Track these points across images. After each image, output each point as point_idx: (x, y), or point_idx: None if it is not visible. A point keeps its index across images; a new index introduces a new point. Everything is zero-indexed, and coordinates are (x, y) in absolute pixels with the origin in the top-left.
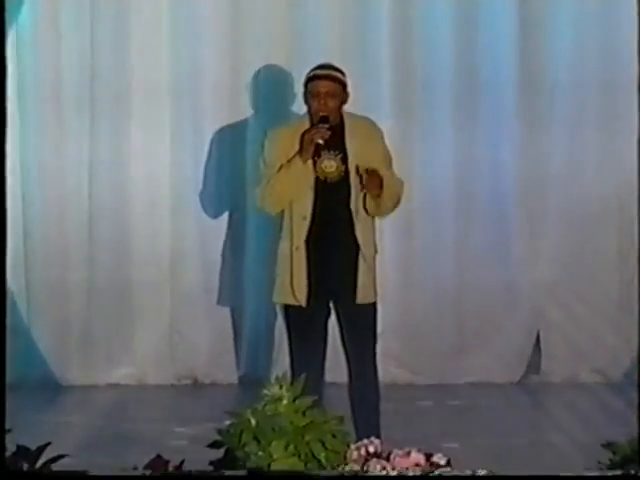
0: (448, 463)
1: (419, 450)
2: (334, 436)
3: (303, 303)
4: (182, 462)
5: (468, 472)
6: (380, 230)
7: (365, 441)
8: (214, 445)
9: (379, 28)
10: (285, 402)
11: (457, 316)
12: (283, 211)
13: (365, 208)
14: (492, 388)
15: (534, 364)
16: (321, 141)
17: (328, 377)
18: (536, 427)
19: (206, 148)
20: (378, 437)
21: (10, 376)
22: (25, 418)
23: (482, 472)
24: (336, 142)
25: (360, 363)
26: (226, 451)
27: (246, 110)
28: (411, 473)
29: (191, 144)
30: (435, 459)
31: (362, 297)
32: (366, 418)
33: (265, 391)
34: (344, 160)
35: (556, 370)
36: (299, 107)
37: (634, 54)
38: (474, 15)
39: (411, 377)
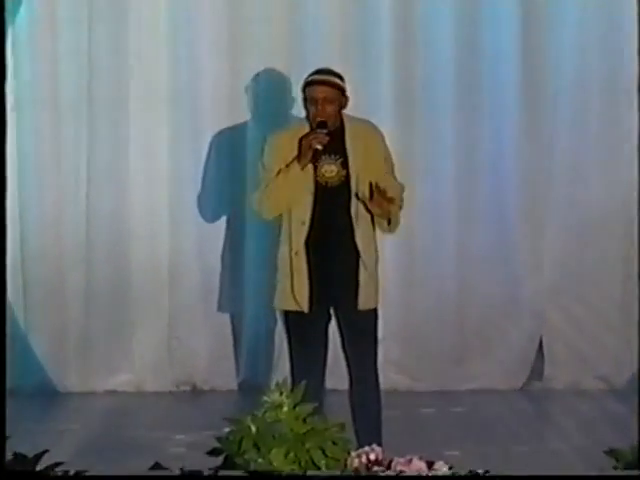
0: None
1: (420, 458)
2: (335, 443)
3: (305, 309)
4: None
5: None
6: (380, 234)
7: (366, 448)
8: (213, 452)
9: (379, 30)
10: (285, 409)
11: (459, 322)
12: (282, 216)
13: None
14: (494, 395)
15: (537, 370)
16: (319, 147)
17: (329, 383)
18: (539, 434)
19: (205, 152)
20: (379, 444)
21: (7, 382)
22: (22, 425)
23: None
24: (336, 146)
25: (361, 369)
26: (225, 458)
27: (245, 113)
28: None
29: (190, 148)
30: (437, 467)
31: (363, 303)
32: (367, 425)
33: (265, 398)
34: (344, 164)
35: (559, 377)
36: (299, 110)
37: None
38: (476, 16)
39: (412, 384)
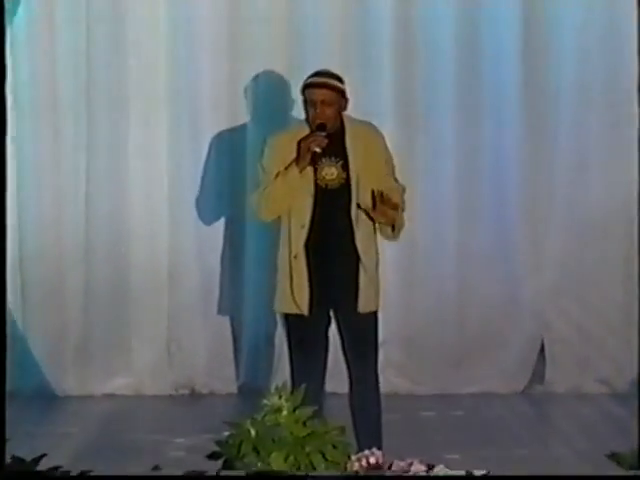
0: None
1: (421, 461)
2: (335, 447)
3: (305, 312)
4: None
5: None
6: (380, 237)
7: (366, 452)
8: (213, 456)
9: (380, 30)
10: (285, 412)
11: (459, 325)
12: (281, 218)
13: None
14: (495, 398)
15: (538, 374)
16: (318, 149)
17: (329, 387)
18: (540, 438)
19: (204, 153)
20: (379, 448)
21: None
22: (21, 429)
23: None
24: (337, 148)
25: (361, 373)
26: (225, 462)
27: (245, 115)
28: None
29: (189, 149)
30: (437, 470)
31: (363, 306)
32: (367, 429)
33: (265, 401)
34: (345, 167)
35: (560, 380)
36: (299, 112)
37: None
38: (476, 16)
39: (413, 387)
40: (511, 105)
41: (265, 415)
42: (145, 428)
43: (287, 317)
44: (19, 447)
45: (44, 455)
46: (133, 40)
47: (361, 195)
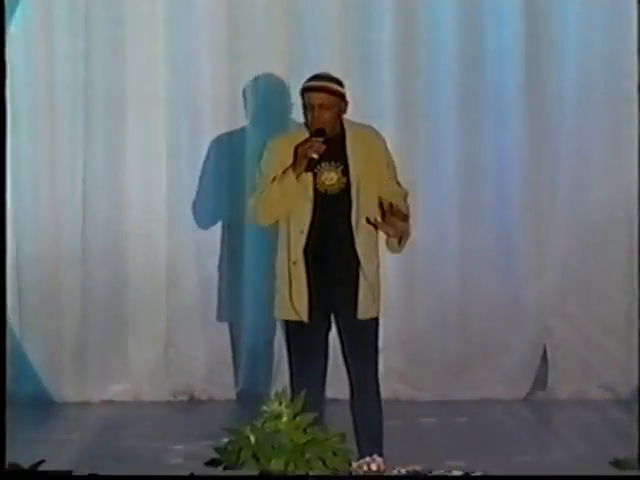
0: None
1: (423, 469)
2: (335, 454)
3: (304, 318)
4: None
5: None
6: (381, 243)
7: (367, 459)
8: (212, 463)
9: (381, 33)
10: (285, 419)
11: (461, 331)
12: (280, 223)
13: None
14: (497, 405)
15: (540, 380)
16: (315, 156)
17: (329, 393)
18: (543, 445)
19: (203, 156)
20: (381, 455)
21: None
22: (18, 435)
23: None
24: (337, 153)
25: (362, 379)
26: (224, 469)
27: (244, 118)
28: None
29: (188, 152)
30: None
31: (363, 312)
32: (368, 435)
33: (264, 407)
34: (345, 171)
35: (563, 386)
36: (299, 115)
37: None
38: (479, 19)
39: (414, 393)
40: (513, 106)
41: (265, 422)
42: (143, 435)
43: (287, 323)
44: (16, 454)
45: (42, 462)
46: (131, 41)
47: (362, 200)
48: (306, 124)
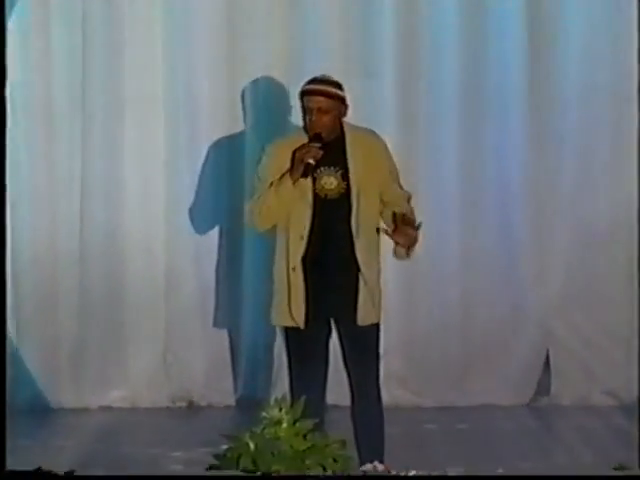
0: None
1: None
2: (336, 461)
3: (301, 325)
4: None
5: None
6: (382, 247)
7: (368, 466)
8: (211, 470)
9: (382, 35)
10: (285, 425)
11: (463, 336)
12: (278, 228)
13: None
14: (500, 411)
15: (543, 386)
16: (312, 161)
17: (329, 399)
18: (546, 451)
19: (202, 159)
20: (382, 462)
21: None
22: (15, 442)
23: None
24: (337, 157)
25: (363, 385)
26: None
27: (243, 121)
28: None
29: (187, 158)
30: None
31: (363, 318)
32: (369, 442)
33: (264, 414)
34: (345, 176)
35: (566, 392)
36: (298, 117)
37: None
38: (481, 24)
39: (415, 399)
40: (515, 108)
41: (264, 428)
42: (141, 441)
43: (286, 329)
44: (13, 461)
45: (39, 469)
46: (129, 43)
47: (362, 205)
48: (305, 128)
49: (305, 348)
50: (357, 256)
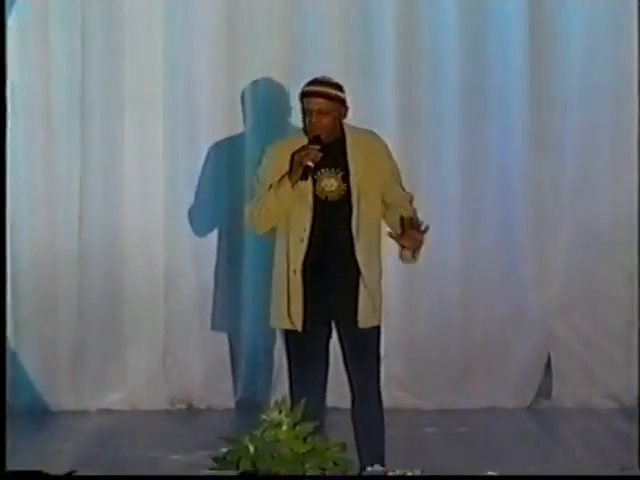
0: None
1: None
2: (336, 464)
3: (299, 328)
4: None
5: None
6: (383, 249)
7: (369, 469)
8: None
9: (383, 36)
10: (285, 428)
11: (463, 338)
12: (278, 231)
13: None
14: (501, 413)
15: (545, 388)
16: (311, 164)
17: (330, 402)
18: (547, 454)
19: (202, 160)
20: (382, 465)
21: None
22: (13, 445)
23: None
24: (337, 159)
25: (364, 387)
26: None
27: (243, 123)
28: None
29: (186, 160)
30: None
31: (363, 321)
32: (370, 445)
33: (264, 416)
34: (345, 178)
35: (568, 395)
36: (299, 119)
37: None
38: (482, 24)
39: (416, 402)
40: (516, 109)
41: (264, 431)
42: (141, 444)
43: (286, 331)
44: (11, 463)
45: (38, 472)
46: (129, 43)
47: (362, 207)
48: (305, 130)
49: (305, 350)
50: (357, 258)
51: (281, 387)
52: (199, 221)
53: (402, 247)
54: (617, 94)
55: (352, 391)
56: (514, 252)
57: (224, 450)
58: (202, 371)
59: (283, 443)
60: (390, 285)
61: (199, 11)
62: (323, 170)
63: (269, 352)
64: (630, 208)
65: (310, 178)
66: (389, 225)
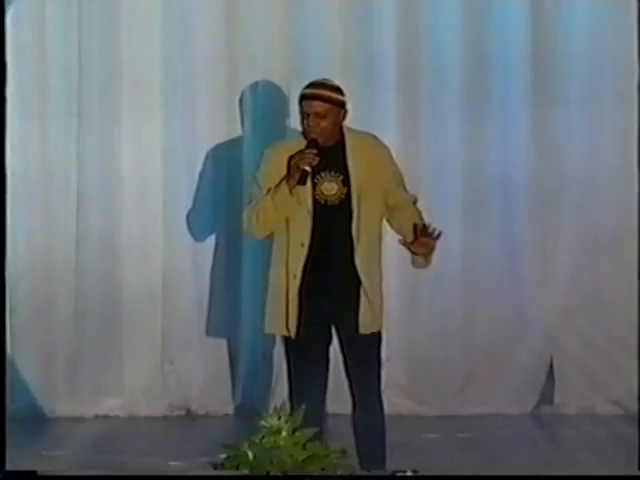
0: None
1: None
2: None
3: (293, 334)
4: None
5: None
6: (384, 253)
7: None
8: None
9: (384, 38)
10: (284, 434)
11: (465, 343)
12: (276, 236)
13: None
14: (502, 420)
15: (547, 394)
16: (308, 168)
17: (330, 408)
18: (550, 461)
19: (200, 166)
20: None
21: None
22: (9, 452)
23: None
24: (337, 162)
25: (364, 393)
26: None
27: (242, 126)
28: None
29: (184, 164)
30: None
31: (363, 327)
32: (371, 451)
33: (263, 422)
34: (345, 181)
35: (570, 401)
36: (298, 121)
37: None
38: (484, 25)
39: (417, 408)
40: (519, 112)
41: (263, 437)
42: (138, 451)
43: (286, 337)
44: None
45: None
46: (127, 45)
47: (363, 211)
48: (303, 133)
49: (305, 356)
50: (356, 264)
51: (280, 393)
52: (198, 226)
53: (414, 254)
54: (620, 94)
55: (353, 397)
56: (516, 256)
57: (223, 456)
58: (200, 377)
59: (282, 449)
60: (391, 290)
61: (198, 11)
62: (323, 174)
63: (268, 358)
64: (633, 212)
65: (310, 182)
66: (394, 228)
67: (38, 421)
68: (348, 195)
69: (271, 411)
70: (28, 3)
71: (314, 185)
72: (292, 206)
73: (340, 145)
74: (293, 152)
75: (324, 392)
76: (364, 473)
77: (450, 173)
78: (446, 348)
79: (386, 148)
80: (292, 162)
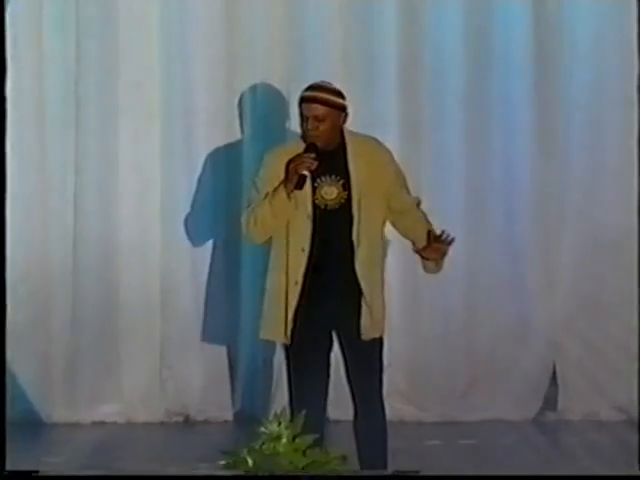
0: None
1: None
2: None
3: (287, 342)
4: None
5: None
6: (385, 258)
7: None
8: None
9: (385, 40)
10: (284, 441)
11: (467, 348)
12: (275, 241)
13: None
14: (505, 426)
15: (550, 400)
16: (306, 172)
17: (331, 414)
18: (553, 468)
19: (199, 170)
20: None
21: None
22: (6, 457)
23: None
24: (337, 166)
25: (366, 399)
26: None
27: (241, 130)
28: None
29: (183, 169)
30: None
31: (365, 333)
32: (372, 458)
33: (263, 429)
34: (346, 186)
35: (574, 407)
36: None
37: None
38: (486, 28)
39: (419, 414)
40: (521, 116)
41: (263, 443)
42: (136, 457)
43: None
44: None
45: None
46: (125, 50)
47: (363, 216)
48: (303, 136)
49: (306, 361)
50: (356, 269)
51: (280, 399)
52: (196, 231)
53: (425, 259)
54: (624, 96)
55: (354, 403)
56: (519, 262)
57: (222, 463)
58: (199, 383)
59: (282, 456)
60: (393, 295)
61: (197, 11)
62: (323, 178)
63: (268, 363)
64: (635, 213)
65: (309, 186)
66: (400, 232)
67: (35, 427)
68: (349, 199)
69: (271, 417)
70: (25, 11)
71: (314, 189)
72: (290, 211)
73: (341, 149)
74: (292, 156)
75: (325, 398)
76: (364, 473)
77: (452, 175)
78: (448, 353)
79: (388, 151)
80: (290, 166)
